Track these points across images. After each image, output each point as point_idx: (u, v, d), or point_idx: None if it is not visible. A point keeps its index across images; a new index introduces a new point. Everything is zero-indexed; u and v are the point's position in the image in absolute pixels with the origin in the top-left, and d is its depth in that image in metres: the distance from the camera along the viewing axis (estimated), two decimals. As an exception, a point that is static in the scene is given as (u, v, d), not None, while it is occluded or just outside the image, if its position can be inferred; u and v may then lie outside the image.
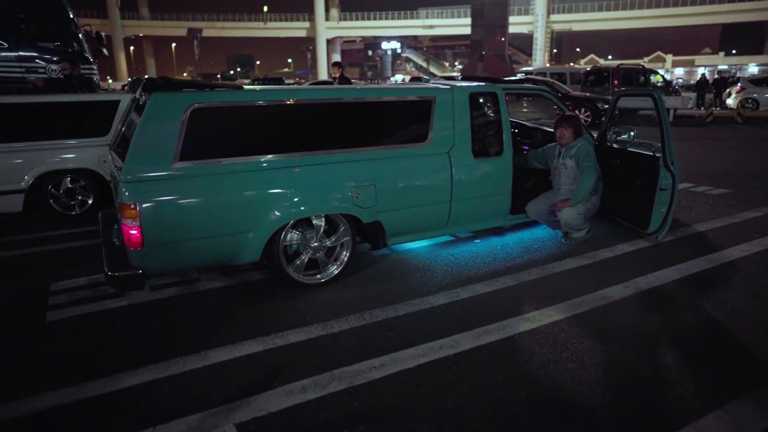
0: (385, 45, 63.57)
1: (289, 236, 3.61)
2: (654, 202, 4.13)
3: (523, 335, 3.04)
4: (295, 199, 3.51)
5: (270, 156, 3.47)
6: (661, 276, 3.88)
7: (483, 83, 4.57)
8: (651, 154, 4.21)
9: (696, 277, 3.89)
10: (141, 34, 64.81)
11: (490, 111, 4.62)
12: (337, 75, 9.23)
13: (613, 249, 4.45)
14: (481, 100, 4.70)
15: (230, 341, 3.00)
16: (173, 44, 70.83)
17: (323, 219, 3.71)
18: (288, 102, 3.59)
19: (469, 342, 2.96)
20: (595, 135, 4.99)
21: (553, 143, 4.68)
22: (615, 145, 4.72)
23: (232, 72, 75.86)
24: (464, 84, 4.41)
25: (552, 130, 5.29)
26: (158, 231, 3.14)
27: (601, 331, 3.09)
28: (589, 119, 13.97)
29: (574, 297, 3.54)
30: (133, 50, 67.81)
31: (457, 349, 2.88)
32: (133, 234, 3.09)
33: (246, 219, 3.39)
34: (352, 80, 11.79)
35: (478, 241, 4.73)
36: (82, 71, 7.44)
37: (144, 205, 3.07)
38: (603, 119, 4.98)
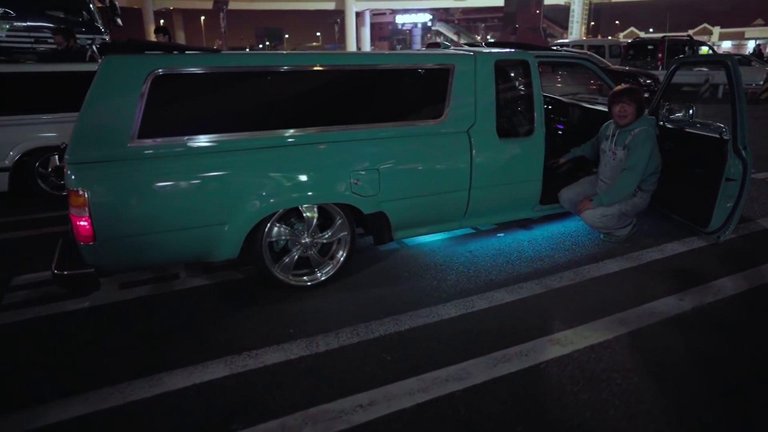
0: (414, 18, 61.71)
1: (275, 230, 3.06)
2: (718, 195, 3.40)
3: (552, 364, 2.43)
4: (280, 186, 2.94)
5: (249, 133, 2.90)
6: (724, 286, 3.20)
7: (512, 50, 3.87)
8: (717, 136, 3.46)
9: None
10: (171, 7, 64.48)
11: (519, 82, 3.93)
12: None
13: (661, 249, 3.76)
14: (509, 70, 4.01)
15: (193, 360, 2.48)
16: (202, 17, 70.42)
17: (316, 210, 3.14)
18: (272, 69, 2.99)
19: (482, 372, 2.37)
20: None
21: (608, 122, 3.91)
22: (669, 125, 3.98)
23: (261, 45, 74.96)
24: (489, 50, 3.73)
25: (591, 106, 4.58)
26: (112, 222, 2.62)
27: (652, 362, 2.46)
28: (630, 95, 12.90)
29: (615, 311, 2.90)
30: (164, 23, 67.73)
31: (468, 382, 2.30)
32: (83, 225, 2.58)
33: (220, 209, 2.84)
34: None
35: (501, 234, 4.10)
36: (78, 43, 6.95)
37: (94, 192, 2.55)
38: (655, 95, 4.22)
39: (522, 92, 3.84)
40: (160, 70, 2.67)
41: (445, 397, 2.20)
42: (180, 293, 3.21)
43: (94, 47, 2.98)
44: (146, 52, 2.77)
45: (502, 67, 3.73)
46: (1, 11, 9.87)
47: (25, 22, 9.96)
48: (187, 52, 2.89)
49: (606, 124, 3.94)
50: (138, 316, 2.95)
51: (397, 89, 3.37)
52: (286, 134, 2.98)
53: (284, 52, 3.47)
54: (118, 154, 2.62)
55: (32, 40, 9.94)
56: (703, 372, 2.39)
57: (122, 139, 2.62)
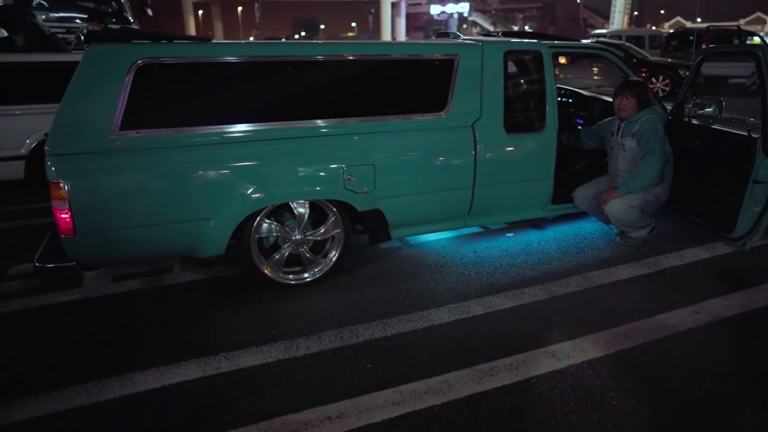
0: (444, 8, 60.67)
1: (263, 226, 2.96)
2: (744, 198, 3.11)
3: (543, 380, 2.25)
4: (269, 182, 2.83)
5: (237, 126, 2.79)
6: (748, 299, 2.93)
7: (523, 40, 3.64)
8: (745, 134, 3.17)
9: (796, 302, 2.91)
10: (209, -2, 65.39)
11: (531, 74, 3.71)
12: None
13: (681, 255, 3.49)
14: (520, 61, 3.79)
15: (168, 360, 2.40)
16: (239, 8, 71.18)
17: (307, 206, 3.02)
18: (262, 59, 2.86)
19: (466, 385, 2.21)
20: (670, 108, 3.96)
21: (612, 116, 3.71)
22: (695, 121, 3.69)
23: (296, 36, 75.40)
24: (498, 40, 3.52)
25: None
26: (93, 216, 2.56)
27: (654, 383, 2.24)
28: (668, 88, 12.34)
29: (622, 323, 2.69)
30: (202, 14, 68.72)
31: (448, 396, 2.14)
32: (63, 219, 2.53)
33: (205, 204, 2.75)
34: None
35: (510, 234, 3.90)
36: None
37: (74, 184, 2.49)
38: (682, 87, 3.92)
39: (533, 84, 3.62)
40: (144, 60, 2.59)
41: (421, 411, 2.05)
42: (170, 288, 3.15)
43: (80, 35, 2.92)
44: (133, 42, 2.70)
45: (512, 58, 3.53)
46: (36, 2, 10.12)
47: (58, 12, 10.18)
48: (175, 41, 2.80)
49: (607, 120, 3.74)
50: (124, 310, 2.90)
51: (396, 80, 3.20)
52: (276, 127, 2.86)
53: (276, 42, 3.34)
54: (99, 146, 2.55)
55: (64, 30, 10.15)
56: (710, 398, 2.17)
57: (104, 130, 2.56)
